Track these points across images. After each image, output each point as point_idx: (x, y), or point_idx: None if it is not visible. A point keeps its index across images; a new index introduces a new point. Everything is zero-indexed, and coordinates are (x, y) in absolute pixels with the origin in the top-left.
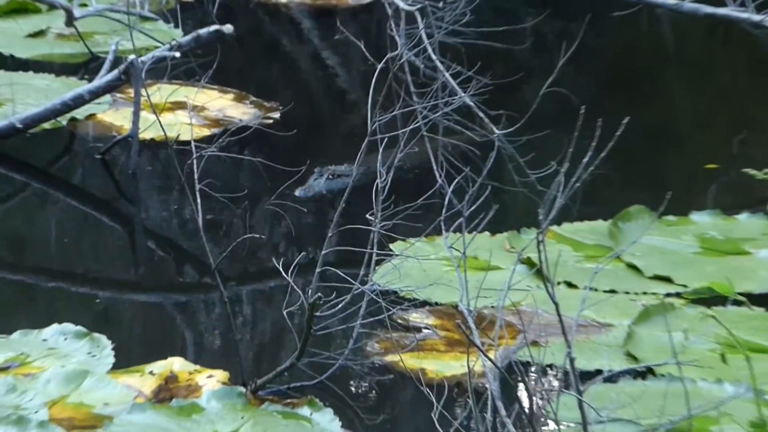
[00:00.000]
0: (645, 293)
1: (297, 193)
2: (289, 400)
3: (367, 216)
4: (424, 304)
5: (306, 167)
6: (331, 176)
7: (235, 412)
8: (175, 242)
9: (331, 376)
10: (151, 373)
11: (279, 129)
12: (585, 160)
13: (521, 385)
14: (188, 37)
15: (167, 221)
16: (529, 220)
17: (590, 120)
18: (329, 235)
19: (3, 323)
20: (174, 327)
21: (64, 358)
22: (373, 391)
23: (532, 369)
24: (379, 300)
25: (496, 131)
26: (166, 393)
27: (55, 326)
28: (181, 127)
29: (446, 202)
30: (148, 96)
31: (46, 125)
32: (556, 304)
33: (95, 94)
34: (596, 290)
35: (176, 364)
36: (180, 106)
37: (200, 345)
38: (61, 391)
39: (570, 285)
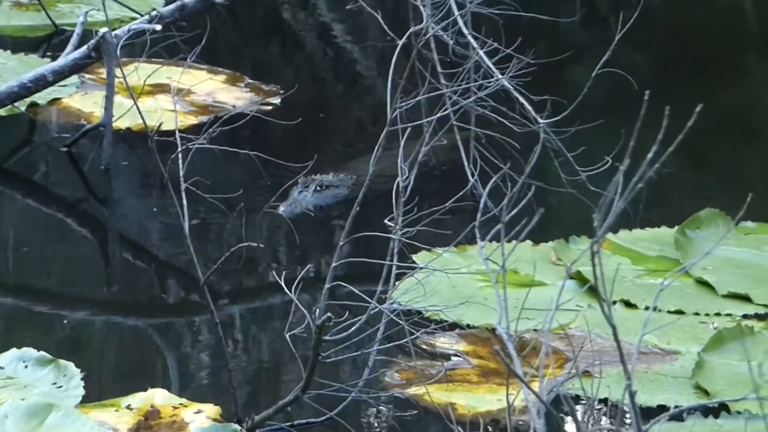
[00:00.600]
0: (718, 314)
1: (281, 210)
2: None
3: (386, 222)
4: (453, 326)
5: (312, 163)
6: (318, 188)
7: None
8: (155, 252)
9: (342, 411)
10: (128, 407)
11: (279, 117)
12: (649, 156)
13: (570, 424)
14: (171, 7)
15: (147, 227)
16: (579, 228)
17: (655, 108)
18: (340, 244)
19: None
20: (155, 353)
21: (24, 389)
22: (393, 430)
23: (584, 404)
24: (400, 321)
25: (540, 121)
26: (146, 431)
27: (13, 351)
28: (164, 114)
29: (481, 205)
30: (124, 77)
31: (1, 112)
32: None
33: (60, 75)
34: (660, 311)
35: (158, 396)
36: (162, 89)
37: (186, 374)
38: (21, 429)
39: (628, 305)
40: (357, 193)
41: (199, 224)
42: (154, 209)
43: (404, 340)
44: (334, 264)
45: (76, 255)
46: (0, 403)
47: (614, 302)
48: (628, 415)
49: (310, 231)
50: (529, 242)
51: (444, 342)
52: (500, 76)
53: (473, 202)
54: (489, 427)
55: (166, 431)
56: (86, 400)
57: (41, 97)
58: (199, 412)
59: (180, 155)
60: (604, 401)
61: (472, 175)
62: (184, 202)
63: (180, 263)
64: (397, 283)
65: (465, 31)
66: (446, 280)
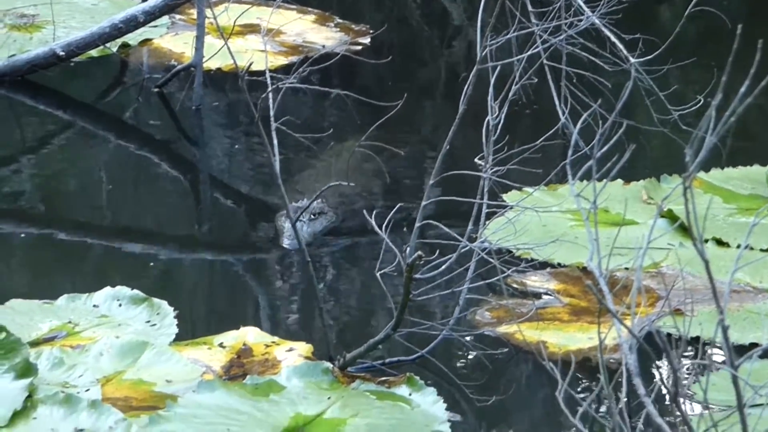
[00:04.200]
0: None
1: (285, 244)
2: (383, 378)
3: (476, 161)
4: (544, 265)
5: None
6: (312, 216)
7: (320, 392)
8: (246, 192)
9: (433, 349)
10: (220, 345)
11: (369, 56)
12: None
13: (662, 361)
14: None
15: (237, 166)
16: (670, 167)
17: (747, 45)
18: (430, 183)
19: (47, 287)
20: (247, 292)
21: (119, 327)
22: (484, 368)
23: (676, 341)
24: (491, 260)
25: (631, 59)
26: (239, 369)
27: (107, 290)
28: (254, 54)
29: (571, 143)
30: (215, 17)
31: (93, 53)
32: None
33: (151, 15)
34: (752, 249)
35: (250, 335)
36: (252, 29)
37: (278, 313)
38: (115, 366)
39: (720, 243)
40: (343, 221)
41: (289, 164)
42: (245, 149)
43: (495, 279)
44: (424, 203)
45: (167, 195)
46: (95, 341)
47: (706, 241)
48: (720, 352)
49: (400, 172)
50: (619, 181)
51: (535, 280)
52: (591, 14)
53: (564, 140)
54: (582, 364)
55: (258, 368)
56: (179, 339)
57: (132, 38)
58: (291, 350)
59: (270, 95)
60: (696, 339)
61: (563, 114)
62: (275, 140)
63: (270, 202)
64: (487, 222)
65: None
66: (537, 219)
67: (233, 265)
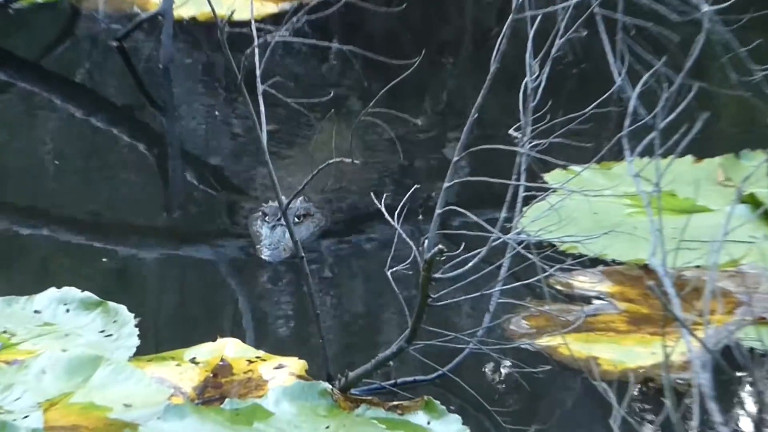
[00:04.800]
0: None
1: (264, 255)
2: (395, 403)
3: (511, 132)
4: (595, 262)
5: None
6: (296, 219)
7: (316, 419)
8: (226, 171)
9: (458, 367)
10: (192, 361)
11: (379, 4)
12: None
13: (743, 381)
14: None
15: (215, 139)
16: (753, 140)
17: None
18: (454, 160)
19: None
20: (225, 295)
21: (66, 338)
22: (520, 390)
23: (760, 357)
24: (530, 255)
25: (704, 5)
26: (216, 390)
27: (51, 292)
28: (236, 0)
29: (629, 110)
30: None
31: None
32: None
33: None
34: None
35: (229, 348)
36: None
37: (264, 322)
38: (61, 387)
39: None
40: (332, 222)
41: (279, 134)
42: (224, 117)
43: (534, 279)
44: (446, 185)
45: (127, 174)
46: (36, 355)
47: None
48: None
49: (417, 146)
50: (689, 157)
51: (583, 281)
52: None
53: (620, 107)
54: (642, 385)
55: (239, 390)
56: (141, 352)
57: None
58: (280, 367)
59: (257, 50)
60: None
61: (619, 74)
62: (262, 108)
63: (255, 184)
64: (524, 208)
65: None
66: (586, 205)
67: (209, 261)
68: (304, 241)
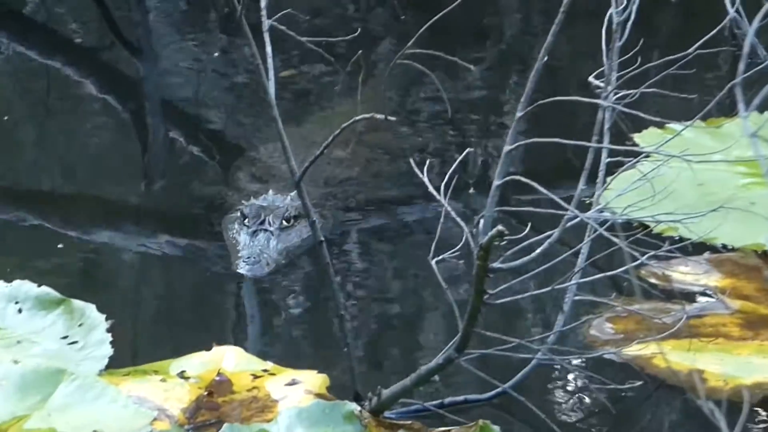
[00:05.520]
0: None
1: (242, 270)
2: (442, 429)
3: (591, 80)
4: (700, 248)
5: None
6: (284, 222)
7: None
8: (219, 130)
9: (522, 382)
10: (181, 375)
11: None
12: None
13: None
14: None
15: (206, 90)
16: None
17: None
18: (517, 115)
19: None
20: (222, 292)
21: (18, 346)
22: (603, 411)
23: None
24: (615, 239)
25: None
26: (211, 413)
27: (0, 286)
28: None
29: (744, 50)
30: None
31: None
32: None
33: None
34: None
35: (229, 358)
36: None
37: (272, 325)
38: (12, 409)
39: None
40: (360, 197)
41: (291, 79)
42: (219, 62)
43: (621, 270)
44: (507, 148)
45: (95, 134)
46: None
47: None
48: None
49: (469, 98)
50: None
51: (685, 272)
52: None
53: (732, 46)
54: (758, 407)
55: (241, 412)
56: (115, 364)
57: None
58: (293, 383)
59: None
60: None
61: (732, 3)
62: (268, 48)
63: (261, 148)
64: (608, 179)
65: None
66: (688, 174)
67: (200, 249)
68: (295, 251)
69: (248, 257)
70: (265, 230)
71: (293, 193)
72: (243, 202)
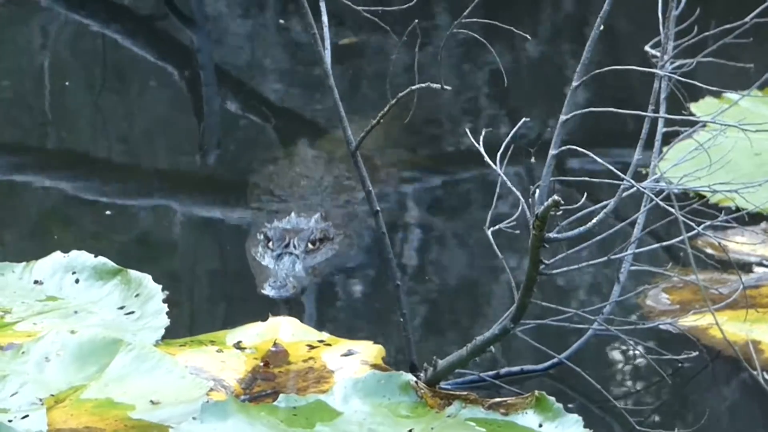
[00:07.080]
0: None
1: (268, 291)
2: (498, 400)
3: (647, 49)
4: (757, 218)
5: None
6: (310, 245)
7: (396, 420)
8: (276, 99)
9: (578, 353)
10: (237, 346)
11: None
12: None
13: None
14: None
15: (262, 59)
16: None
17: None
18: (573, 85)
19: None
20: None
21: (76, 316)
22: (659, 383)
23: None
24: (671, 209)
25: None
26: (267, 383)
27: (56, 257)
28: None
29: None
30: None
31: None
32: None
33: None
34: None
35: (285, 329)
36: None
37: (328, 295)
38: (69, 379)
39: None
40: (356, 249)
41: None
42: (273, 31)
43: (677, 240)
44: (563, 117)
45: (150, 103)
46: (38, 338)
47: None
48: None
49: (526, 66)
50: None
51: (742, 242)
52: None
53: None
54: None
55: (297, 383)
56: (172, 335)
57: None
58: (349, 353)
59: None
60: None
61: None
62: (324, 18)
63: (317, 116)
64: (665, 148)
65: None
66: (746, 144)
67: (256, 218)
68: (319, 270)
69: (274, 282)
70: (290, 253)
71: (317, 216)
72: (266, 224)
